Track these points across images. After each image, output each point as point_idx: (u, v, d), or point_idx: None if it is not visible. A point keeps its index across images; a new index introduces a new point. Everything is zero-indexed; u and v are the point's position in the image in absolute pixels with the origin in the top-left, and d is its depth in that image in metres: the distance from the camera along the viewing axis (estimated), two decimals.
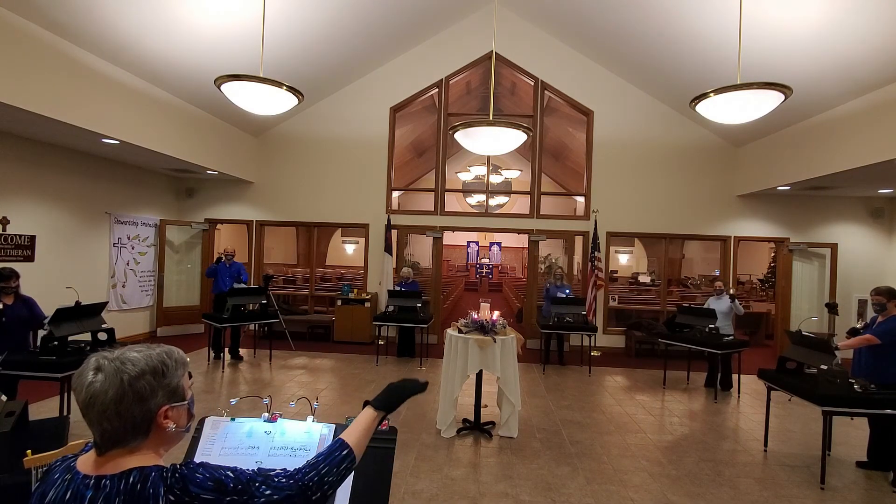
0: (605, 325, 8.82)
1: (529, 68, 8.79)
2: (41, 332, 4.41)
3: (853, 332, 4.46)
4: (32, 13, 4.73)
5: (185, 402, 1.08)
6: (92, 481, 0.96)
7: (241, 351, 7.43)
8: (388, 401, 1.33)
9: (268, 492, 1.02)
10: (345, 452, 1.16)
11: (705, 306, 6.70)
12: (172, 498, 0.94)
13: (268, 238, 10.13)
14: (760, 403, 5.78)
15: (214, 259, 7.49)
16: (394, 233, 8.91)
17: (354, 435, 1.21)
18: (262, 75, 4.02)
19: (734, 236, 8.79)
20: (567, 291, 7.90)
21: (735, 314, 6.60)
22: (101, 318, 4.64)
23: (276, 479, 1.05)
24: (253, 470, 1.06)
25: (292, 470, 1.09)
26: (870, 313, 4.49)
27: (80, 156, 7.11)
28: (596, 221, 8.60)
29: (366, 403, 1.32)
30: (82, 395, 0.97)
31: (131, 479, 0.95)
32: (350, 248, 17.20)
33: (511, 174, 15.15)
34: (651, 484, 3.76)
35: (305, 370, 6.89)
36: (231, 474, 1.01)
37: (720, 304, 6.55)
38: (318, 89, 8.52)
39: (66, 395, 4.10)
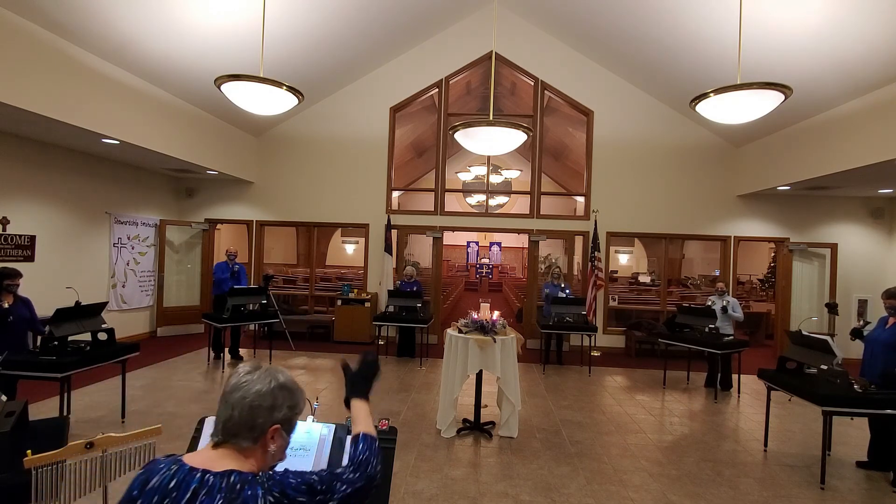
0: (605, 325, 8.81)
1: (529, 68, 8.78)
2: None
3: (855, 333, 4.45)
4: (32, 13, 4.73)
5: (287, 439, 1.20)
6: (198, 474, 1.05)
7: (241, 351, 7.43)
8: (366, 388, 1.51)
9: (343, 486, 1.18)
10: (377, 442, 1.35)
11: (708, 305, 6.69)
12: (272, 499, 1.04)
13: (268, 238, 10.13)
14: (760, 403, 5.78)
15: (226, 258, 7.45)
16: (394, 233, 8.91)
17: (368, 425, 1.38)
18: (261, 75, 4.02)
19: (734, 236, 8.79)
20: (567, 292, 7.90)
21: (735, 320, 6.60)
22: (101, 318, 4.64)
23: (346, 476, 1.21)
24: (327, 471, 1.21)
25: (353, 466, 1.26)
26: (870, 313, 4.47)
27: (80, 156, 7.11)
28: (596, 221, 8.60)
29: (347, 401, 1.50)
30: (232, 381, 1.15)
31: (232, 479, 1.04)
32: (350, 248, 17.19)
33: (511, 174, 15.15)
34: (651, 484, 3.76)
35: (305, 370, 6.89)
36: (315, 478, 1.15)
37: (720, 305, 6.54)
38: (318, 89, 8.52)
39: (66, 395, 4.10)
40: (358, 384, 1.50)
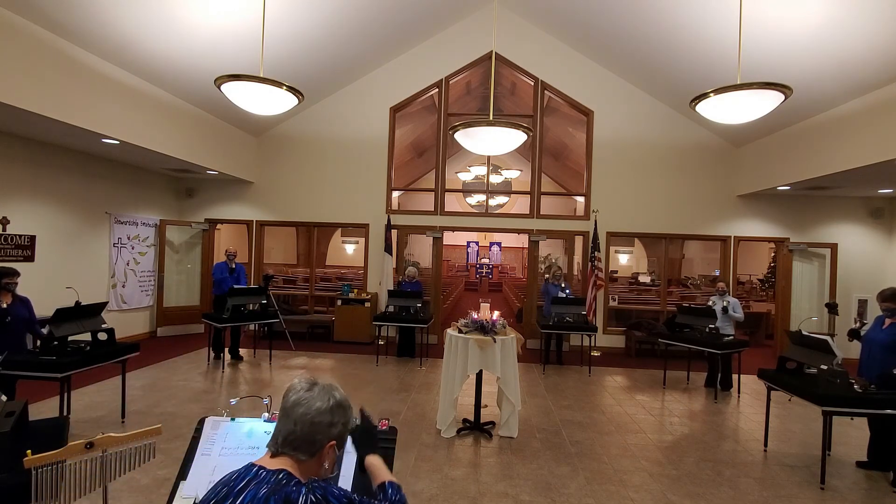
0: (605, 325, 8.81)
1: (529, 68, 8.78)
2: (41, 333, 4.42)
3: (853, 334, 4.45)
4: (32, 13, 4.73)
5: (339, 454, 1.30)
6: (254, 469, 1.20)
7: (241, 351, 7.43)
8: (375, 443, 1.57)
9: None
10: (402, 492, 1.42)
11: (708, 305, 6.68)
12: (313, 499, 1.13)
13: (268, 238, 10.13)
14: (760, 403, 5.78)
15: (225, 258, 7.42)
16: (394, 233, 8.91)
17: (390, 476, 1.46)
18: (261, 75, 4.02)
19: (734, 236, 8.79)
20: (567, 292, 7.89)
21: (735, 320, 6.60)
22: (101, 318, 4.64)
23: None
24: (366, 499, 1.27)
25: (388, 502, 1.35)
26: (870, 313, 4.46)
27: (80, 156, 7.11)
28: (596, 221, 8.60)
29: (361, 460, 1.53)
30: (292, 397, 1.24)
31: (280, 476, 1.16)
32: (350, 248, 17.19)
33: (511, 174, 15.15)
34: (651, 484, 3.76)
35: (305, 370, 6.89)
36: (356, 497, 1.22)
37: (721, 305, 6.54)
38: (318, 89, 8.52)
39: (66, 395, 4.10)
40: (367, 441, 1.55)
